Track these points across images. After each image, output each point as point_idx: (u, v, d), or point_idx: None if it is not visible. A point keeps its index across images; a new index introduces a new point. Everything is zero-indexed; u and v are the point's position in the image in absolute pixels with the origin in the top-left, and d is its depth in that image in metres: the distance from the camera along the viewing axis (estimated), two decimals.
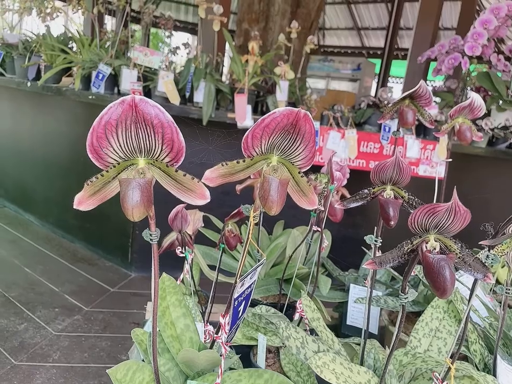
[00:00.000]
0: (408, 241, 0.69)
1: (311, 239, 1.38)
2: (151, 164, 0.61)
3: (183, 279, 1.24)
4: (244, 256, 0.74)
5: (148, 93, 2.90)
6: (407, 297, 0.72)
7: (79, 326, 2.53)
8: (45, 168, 3.81)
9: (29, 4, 3.02)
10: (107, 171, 0.59)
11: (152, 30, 10.88)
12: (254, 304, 1.26)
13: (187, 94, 2.82)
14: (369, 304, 0.93)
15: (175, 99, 2.72)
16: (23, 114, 3.97)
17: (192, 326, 0.93)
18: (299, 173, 0.67)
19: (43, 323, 2.51)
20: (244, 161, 0.65)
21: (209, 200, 0.63)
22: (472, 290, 0.75)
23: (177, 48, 3.40)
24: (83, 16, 3.38)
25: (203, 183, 0.63)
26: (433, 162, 3.22)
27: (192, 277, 1.15)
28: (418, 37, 4.30)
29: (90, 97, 2.88)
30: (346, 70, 8.08)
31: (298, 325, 1.21)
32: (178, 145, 0.57)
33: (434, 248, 0.66)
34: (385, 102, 3.08)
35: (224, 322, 0.74)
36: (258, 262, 1.51)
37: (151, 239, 0.67)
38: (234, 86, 2.84)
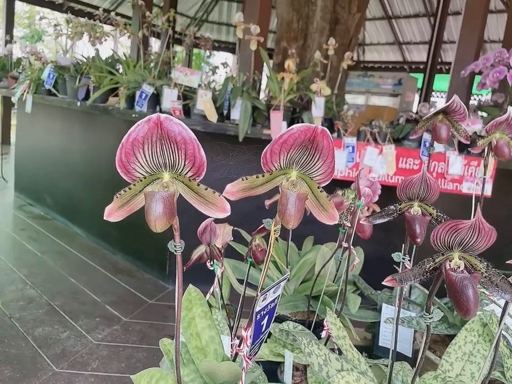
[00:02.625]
0: (430, 258, 0.67)
1: (341, 256, 1.36)
2: (175, 178, 0.64)
3: (213, 292, 1.26)
4: (265, 270, 0.74)
5: (187, 111, 3.01)
6: (431, 318, 0.69)
7: (117, 336, 2.60)
8: (91, 182, 4.01)
9: (80, 28, 3.24)
10: (134, 185, 0.63)
11: (195, 50, 11.29)
12: (282, 320, 1.25)
13: (225, 112, 2.90)
14: (396, 324, 0.90)
15: (213, 116, 2.79)
16: (73, 131, 4.22)
17: (217, 338, 0.94)
18: (318, 188, 0.68)
19: (84, 332, 2.59)
20: (263, 176, 0.66)
21: (229, 214, 0.65)
22: (503, 312, 0.71)
23: (217, 67, 3.52)
24: (129, 39, 3.58)
25: (224, 197, 0.65)
26: (477, 179, 3.08)
27: (221, 290, 1.17)
28: (461, 50, 4.19)
29: (133, 115, 3.02)
30: (387, 85, 7.96)
31: (326, 343, 1.19)
32: (200, 160, 0.60)
33: (459, 267, 0.64)
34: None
35: (246, 335, 0.75)
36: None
37: (175, 250, 0.70)
38: (271, 103, 2.89)
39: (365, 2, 5.97)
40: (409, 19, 10.90)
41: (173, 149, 0.59)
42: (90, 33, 3.29)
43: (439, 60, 9.63)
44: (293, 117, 3.04)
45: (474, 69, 3.65)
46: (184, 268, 1.40)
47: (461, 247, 0.64)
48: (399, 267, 1.52)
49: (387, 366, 1.03)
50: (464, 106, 1.09)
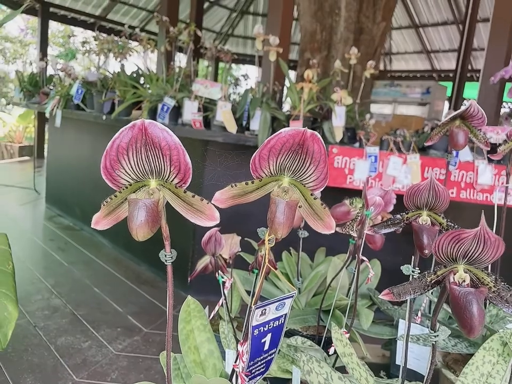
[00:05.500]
0: (431, 271, 0.62)
1: (355, 269, 1.30)
2: (161, 185, 0.63)
3: (222, 304, 1.23)
4: (261, 283, 0.71)
5: (208, 123, 3.04)
6: (437, 335, 0.64)
7: (137, 347, 2.60)
8: None
9: (106, 45, 3.35)
10: (120, 192, 0.62)
11: (221, 65, 11.48)
12: (293, 334, 1.20)
13: (244, 123, 2.90)
14: (406, 342, 0.84)
15: (232, 128, 2.80)
16: (100, 145, 4.34)
17: (216, 352, 0.91)
18: (312, 195, 0.64)
19: (105, 342, 2.61)
20: (252, 182, 0.64)
21: (218, 222, 0.62)
22: None
23: (238, 79, 3.55)
24: (152, 53, 3.67)
25: (213, 204, 0.63)
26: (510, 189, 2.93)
27: (227, 303, 1.14)
28: (490, 56, 4.06)
29: None
30: (415, 94, 7.80)
31: (335, 361, 1.13)
32: (185, 166, 0.58)
33: (464, 281, 0.59)
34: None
35: (242, 351, 0.71)
36: (299, 290, 1.46)
37: (165, 260, 0.68)
38: (291, 114, 2.87)
39: (390, 11, 5.90)
40: (437, 27, 10.70)
41: (158, 155, 0.57)
42: (115, 49, 3.38)
43: (470, 68, 9.37)
44: (313, 127, 3.01)
45: (504, 75, 3.51)
46: (189, 279, 1.38)
47: (466, 259, 0.58)
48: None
49: None
50: (482, 111, 1.03)
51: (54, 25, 14.15)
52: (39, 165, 7.41)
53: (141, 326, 2.83)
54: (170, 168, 0.59)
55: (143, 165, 0.59)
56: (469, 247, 0.56)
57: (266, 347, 0.80)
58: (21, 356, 2.36)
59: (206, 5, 10.01)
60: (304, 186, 0.63)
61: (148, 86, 3.52)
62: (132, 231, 0.58)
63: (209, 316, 1.24)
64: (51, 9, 8.83)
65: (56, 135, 5.16)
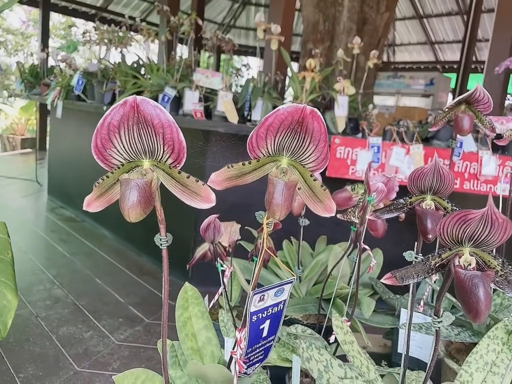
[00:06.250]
0: (436, 254, 0.60)
1: (356, 257, 1.28)
2: (155, 165, 0.61)
3: (222, 292, 1.21)
4: (259, 267, 0.69)
5: (209, 113, 3.01)
6: (441, 321, 0.62)
7: (139, 337, 2.60)
8: None
9: (107, 35, 3.31)
10: (112, 172, 0.60)
11: (223, 57, 11.41)
12: (292, 323, 1.19)
13: (246, 113, 2.87)
14: (409, 330, 0.82)
15: (233, 118, 2.77)
16: None
17: (214, 340, 0.89)
18: (311, 176, 0.62)
19: (107, 332, 2.61)
20: (250, 163, 0.61)
21: (214, 204, 0.60)
22: None
23: (239, 69, 3.51)
24: (152, 43, 3.63)
25: (209, 186, 0.61)
26: (502, 175, 2.91)
27: (226, 292, 1.12)
28: (495, 47, 4.00)
29: None
30: (418, 86, 7.73)
31: (336, 349, 1.12)
32: (179, 145, 0.56)
33: (470, 264, 0.57)
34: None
35: (240, 337, 0.69)
36: (299, 279, 1.45)
37: (160, 244, 0.66)
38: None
39: (394, 1, 5.83)
40: (441, 18, 10.58)
41: (151, 134, 0.55)
42: (115, 39, 3.35)
43: (474, 59, 9.27)
44: None
45: (509, 65, 3.46)
46: (188, 266, 1.37)
47: (472, 242, 0.56)
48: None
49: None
50: (489, 95, 1.00)
51: (55, 17, 14.08)
52: (41, 157, 7.41)
53: (143, 317, 2.83)
54: (163, 147, 0.56)
55: (136, 144, 0.57)
56: (475, 228, 0.54)
57: (265, 334, 0.79)
58: (23, 345, 2.36)
59: None
60: (304, 167, 0.61)
61: (148, 76, 3.49)
62: (124, 211, 0.56)
63: (209, 305, 1.23)
64: (52, 0, 8.77)
65: (58, 127, 5.15)
